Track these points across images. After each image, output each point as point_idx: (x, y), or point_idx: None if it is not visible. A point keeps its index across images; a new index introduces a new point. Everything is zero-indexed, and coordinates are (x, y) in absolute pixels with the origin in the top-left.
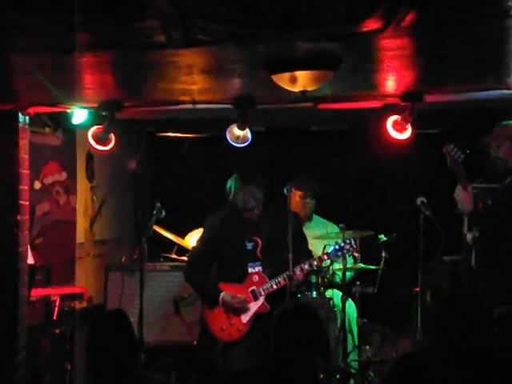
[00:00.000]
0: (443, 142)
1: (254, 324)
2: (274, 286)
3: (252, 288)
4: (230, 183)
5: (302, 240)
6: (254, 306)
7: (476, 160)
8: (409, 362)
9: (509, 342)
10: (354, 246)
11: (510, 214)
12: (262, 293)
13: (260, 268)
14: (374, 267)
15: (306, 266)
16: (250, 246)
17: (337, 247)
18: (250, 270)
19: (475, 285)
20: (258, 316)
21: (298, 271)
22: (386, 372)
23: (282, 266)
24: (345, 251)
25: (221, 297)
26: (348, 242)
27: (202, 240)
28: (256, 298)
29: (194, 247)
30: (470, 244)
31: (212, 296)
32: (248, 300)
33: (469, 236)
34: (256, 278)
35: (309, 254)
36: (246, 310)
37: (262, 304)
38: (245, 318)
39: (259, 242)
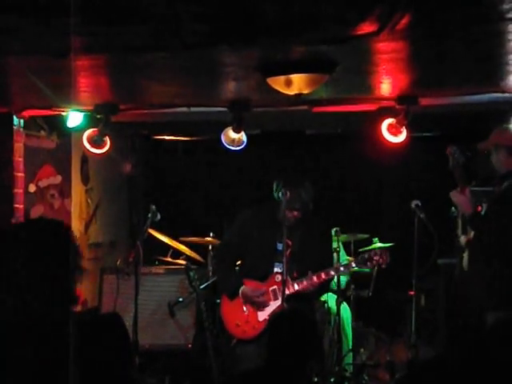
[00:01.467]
0: (438, 144)
1: (273, 321)
2: (296, 288)
3: (274, 287)
4: (279, 182)
5: (326, 250)
6: (272, 305)
7: (470, 164)
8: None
9: (506, 349)
10: (384, 258)
11: (507, 218)
12: (284, 294)
13: (285, 269)
14: (368, 270)
15: (326, 275)
16: (280, 246)
17: (366, 256)
18: (276, 270)
19: (467, 287)
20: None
21: (300, 283)
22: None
23: (307, 271)
24: (374, 262)
25: (241, 289)
26: (379, 253)
27: (233, 231)
28: (276, 298)
29: (224, 237)
30: (463, 246)
31: (234, 286)
32: (268, 298)
33: (463, 238)
34: (279, 277)
35: (328, 265)
36: (265, 305)
37: (280, 306)
38: (261, 316)
39: (290, 244)
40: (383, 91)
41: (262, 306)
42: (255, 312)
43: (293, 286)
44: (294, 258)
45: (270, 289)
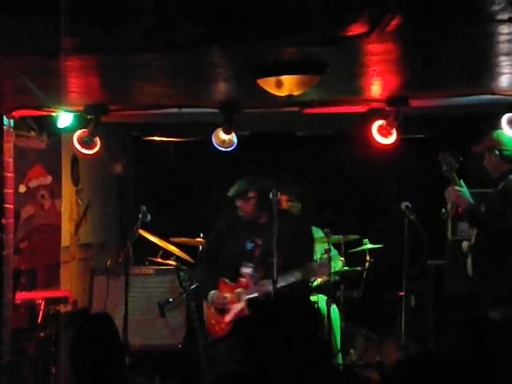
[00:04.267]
0: (428, 146)
1: (235, 325)
2: (256, 294)
3: (238, 290)
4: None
5: (304, 246)
6: (236, 308)
7: (463, 166)
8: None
9: (504, 346)
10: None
11: (502, 219)
12: (245, 297)
13: (251, 270)
14: (359, 268)
15: (293, 279)
16: (249, 246)
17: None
18: (243, 269)
19: (472, 290)
20: (239, 318)
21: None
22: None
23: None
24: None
25: (210, 294)
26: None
27: (210, 234)
28: (239, 301)
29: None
30: (466, 251)
31: (208, 290)
32: (232, 301)
33: (464, 244)
34: (244, 280)
35: (308, 261)
36: (228, 310)
37: (242, 308)
38: (228, 317)
39: (260, 243)
40: (373, 93)
41: (224, 311)
42: (222, 314)
43: (255, 289)
44: (262, 258)
45: (235, 291)
